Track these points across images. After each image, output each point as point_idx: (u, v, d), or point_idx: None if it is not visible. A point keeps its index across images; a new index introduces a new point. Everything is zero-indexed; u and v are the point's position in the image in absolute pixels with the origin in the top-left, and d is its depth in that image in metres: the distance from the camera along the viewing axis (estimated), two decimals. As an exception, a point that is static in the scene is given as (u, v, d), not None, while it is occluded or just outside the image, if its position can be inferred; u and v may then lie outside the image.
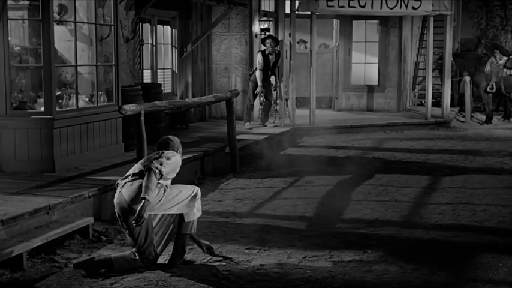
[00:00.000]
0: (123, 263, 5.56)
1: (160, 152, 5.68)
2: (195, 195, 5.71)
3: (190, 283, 5.34)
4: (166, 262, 5.74)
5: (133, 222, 5.31)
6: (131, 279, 5.40)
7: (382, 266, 5.77)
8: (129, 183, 5.52)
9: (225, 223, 7.22)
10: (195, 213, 5.72)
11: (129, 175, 5.61)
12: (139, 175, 5.52)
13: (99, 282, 5.33)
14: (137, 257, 5.58)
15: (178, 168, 5.72)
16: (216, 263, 5.82)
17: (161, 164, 5.44)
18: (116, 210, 5.59)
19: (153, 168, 5.37)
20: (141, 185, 5.37)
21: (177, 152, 5.79)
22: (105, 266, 5.52)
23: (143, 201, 5.27)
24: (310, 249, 6.24)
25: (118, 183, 5.62)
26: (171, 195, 5.60)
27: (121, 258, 5.59)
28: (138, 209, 5.27)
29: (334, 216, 7.57)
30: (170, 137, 5.95)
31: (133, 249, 5.63)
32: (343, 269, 5.69)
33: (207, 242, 6.02)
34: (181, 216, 5.70)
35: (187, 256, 5.90)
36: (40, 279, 5.43)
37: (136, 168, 5.65)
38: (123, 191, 5.51)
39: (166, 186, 5.60)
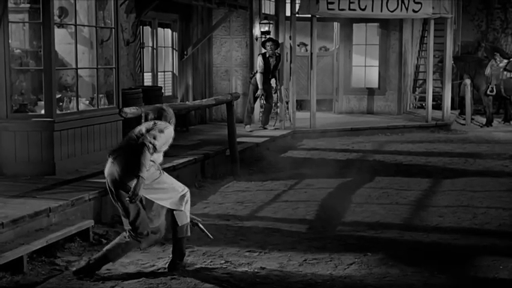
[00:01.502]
0: (117, 251, 5.59)
1: (152, 123, 5.66)
2: (184, 196, 5.72)
3: (191, 285, 5.34)
4: (166, 265, 5.75)
5: (128, 199, 5.32)
6: (131, 281, 5.41)
7: (382, 269, 5.77)
8: (122, 155, 5.48)
9: (225, 226, 7.22)
10: (187, 215, 5.75)
11: (122, 147, 5.59)
12: (132, 147, 5.46)
13: (99, 285, 5.33)
14: (128, 239, 5.57)
15: (171, 140, 5.71)
16: (217, 265, 5.83)
17: (154, 138, 5.43)
18: (106, 181, 5.54)
19: (147, 144, 5.35)
20: (133, 158, 5.33)
21: (169, 122, 5.78)
22: (102, 262, 5.54)
23: (138, 178, 5.27)
24: (311, 252, 6.24)
25: (110, 154, 5.59)
26: (165, 182, 5.63)
27: (113, 248, 5.60)
28: (133, 186, 5.27)
29: (334, 219, 7.57)
30: (164, 106, 5.97)
31: (124, 233, 5.62)
32: (343, 272, 5.69)
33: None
34: (174, 221, 5.70)
35: (188, 259, 5.90)
36: (40, 282, 5.43)
37: (129, 139, 5.60)
38: (116, 162, 5.46)
39: (163, 172, 5.65)
